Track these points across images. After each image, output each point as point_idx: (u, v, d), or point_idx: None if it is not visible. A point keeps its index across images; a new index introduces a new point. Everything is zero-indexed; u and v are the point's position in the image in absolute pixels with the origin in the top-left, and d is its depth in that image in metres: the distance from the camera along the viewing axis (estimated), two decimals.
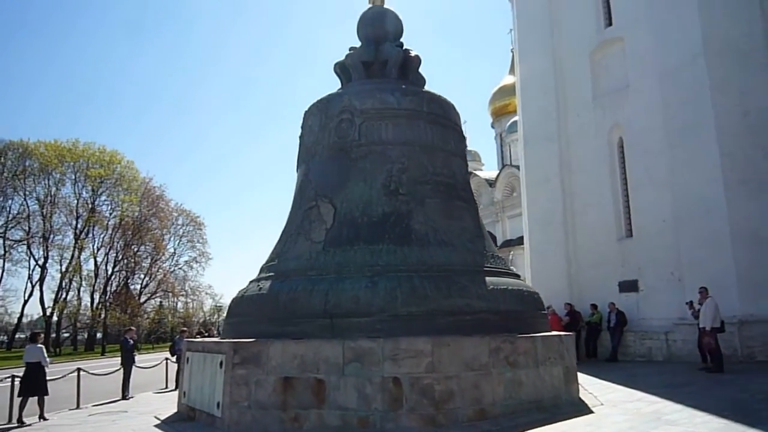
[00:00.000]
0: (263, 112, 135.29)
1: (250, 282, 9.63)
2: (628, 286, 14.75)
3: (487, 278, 8.63)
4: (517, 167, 26.72)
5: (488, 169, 46.58)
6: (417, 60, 10.84)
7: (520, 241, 27.85)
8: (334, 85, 14.72)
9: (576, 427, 6.79)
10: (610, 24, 16.22)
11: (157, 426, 8.43)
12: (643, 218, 14.64)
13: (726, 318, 11.72)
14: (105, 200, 48.02)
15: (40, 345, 9.83)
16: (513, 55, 22.22)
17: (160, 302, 57.46)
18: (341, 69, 10.99)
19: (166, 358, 15.15)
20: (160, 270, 53.14)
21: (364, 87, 10.03)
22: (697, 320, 12.21)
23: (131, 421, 9.03)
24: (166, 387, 14.76)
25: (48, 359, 9.81)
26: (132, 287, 52.70)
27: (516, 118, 23.21)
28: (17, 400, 9.41)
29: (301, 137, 10.61)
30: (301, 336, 7.71)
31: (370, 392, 7.06)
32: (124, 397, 12.43)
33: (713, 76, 13.06)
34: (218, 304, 64.14)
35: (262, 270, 9.56)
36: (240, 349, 7.57)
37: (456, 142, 10.26)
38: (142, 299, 52.53)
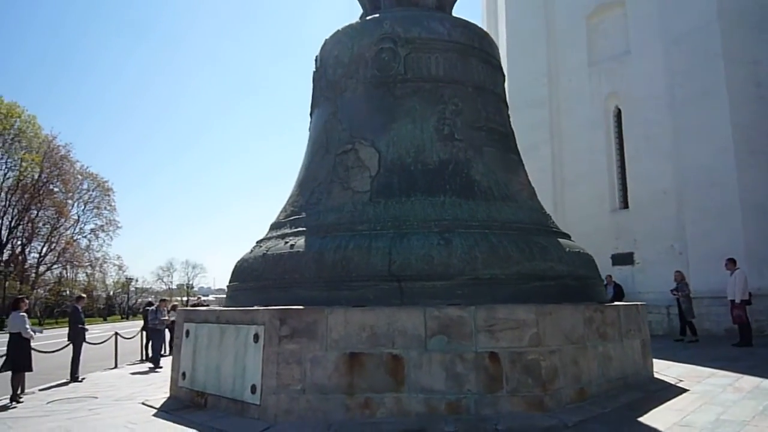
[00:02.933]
0: (187, 66, 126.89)
1: (262, 242, 7.94)
2: (623, 259, 14.36)
3: (559, 239, 7.57)
4: None
5: None
6: None
7: None
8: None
9: (698, 407, 5.87)
10: None
11: (157, 416, 6.63)
12: (640, 189, 14.24)
13: None
14: (0, 158, 42.30)
15: (22, 314, 7.64)
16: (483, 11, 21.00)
17: (61, 273, 52.12)
18: None
19: (116, 333, 12.91)
20: (62, 238, 48.04)
21: (406, 13, 8.50)
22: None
23: (116, 410, 7.12)
24: (115, 365, 12.61)
25: (32, 329, 7.67)
26: (31, 256, 47.31)
27: None
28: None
29: (318, 71, 8.92)
30: (361, 302, 6.24)
31: (462, 371, 5.75)
32: (75, 378, 10.25)
33: (726, 44, 12.71)
34: (128, 277, 59.54)
35: (279, 226, 7.88)
36: (289, 318, 5.96)
37: (503, 86, 9.04)
38: (41, 269, 47.26)
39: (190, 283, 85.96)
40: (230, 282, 8.16)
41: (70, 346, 10.70)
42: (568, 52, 15.96)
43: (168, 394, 7.71)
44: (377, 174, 7.42)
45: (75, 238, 49.16)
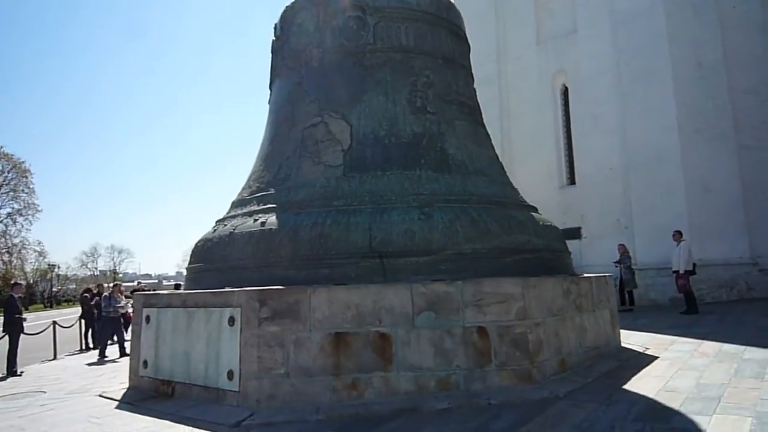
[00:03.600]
0: (111, 41, 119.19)
1: (225, 220, 7.49)
2: (571, 234, 14.68)
3: (532, 213, 7.60)
4: None
5: None
6: None
7: None
8: None
9: (674, 372, 6.06)
10: None
11: (120, 408, 6.14)
12: (587, 166, 14.63)
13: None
14: None
15: None
16: None
17: None
18: None
19: (54, 322, 11.98)
20: None
21: None
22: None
23: (71, 404, 6.56)
24: (54, 357, 11.75)
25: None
26: None
27: None
28: None
29: (279, 40, 8.46)
30: (342, 280, 5.99)
31: (450, 347, 5.64)
32: (13, 372, 9.43)
33: (670, 25, 13.14)
34: (51, 263, 55.93)
35: (244, 203, 7.45)
36: (269, 300, 5.61)
37: (469, 58, 8.91)
38: None
39: (117, 268, 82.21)
40: (191, 263, 7.66)
41: (5, 337, 9.82)
42: (516, 30, 16.08)
43: (127, 385, 7.19)
44: (350, 148, 7.12)
45: None
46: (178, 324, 6.51)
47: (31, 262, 54.44)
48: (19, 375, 9.40)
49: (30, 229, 48.86)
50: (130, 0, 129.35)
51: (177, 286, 25.99)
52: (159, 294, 7.77)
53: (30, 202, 46.98)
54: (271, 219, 6.69)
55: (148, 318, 7.01)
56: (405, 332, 5.62)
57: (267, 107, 8.67)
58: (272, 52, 8.74)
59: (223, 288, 6.29)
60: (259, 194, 7.33)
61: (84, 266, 75.90)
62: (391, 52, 7.65)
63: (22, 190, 47.07)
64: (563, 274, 7.26)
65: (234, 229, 6.95)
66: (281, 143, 7.69)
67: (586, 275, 7.48)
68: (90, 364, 10.39)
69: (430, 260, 6.17)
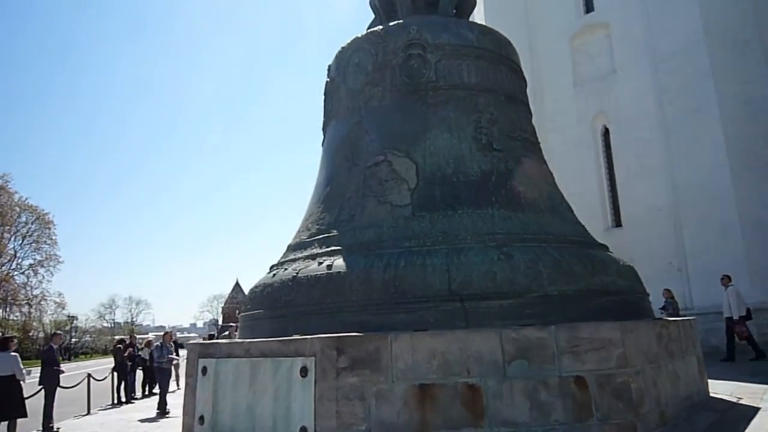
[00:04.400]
0: (129, 97, 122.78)
1: (283, 264, 7.15)
2: None
3: (608, 253, 7.18)
4: None
5: None
6: (473, 1, 9.11)
7: None
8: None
9: None
10: (589, 9, 15.79)
11: None
12: (633, 207, 14.21)
13: None
14: None
15: (13, 353, 6.46)
16: None
17: None
18: (380, 2, 8.88)
19: (89, 375, 11.52)
20: None
21: (430, 19, 8.06)
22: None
23: None
24: (87, 412, 11.25)
25: (24, 370, 6.52)
26: None
27: None
28: None
29: (334, 81, 8.33)
30: (421, 326, 5.56)
31: (547, 399, 5.13)
32: (50, 428, 8.94)
33: (714, 62, 12.96)
34: (70, 315, 55.56)
35: (303, 246, 7.11)
36: (347, 347, 5.19)
37: (527, 96, 8.69)
38: None
39: (134, 320, 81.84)
40: (247, 311, 7.28)
41: (41, 391, 9.38)
42: (552, 72, 16.01)
43: None
44: (416, 186, 6.81)
45: (11, 274, 45.67)
46: (240, 375, 6.08)
47: (50, 314, 54.18)
48: (56, 431, 8.91)
49: (51, 281, 48.57)
50: (142, 51, 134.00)
51: (210, 337, 25.28)
52: (217, 343, 7.36)
53: (52, 253, 47.09)
54: (338, 261, 6.33)
55: (204, 369, 6.59)
56: (496, 383, 5.14)
57: (313, 152, 8.49)
58: (325, 95, 8.61)
59: (289, 336, 5.89)
60: (321, 236, 7.00)
61: (101, 318, 75.52)
62: (454, 90, 7.45)
63: (45, 242, 47.28)
64: (647, 317, 6.77)
65: (297, 273, 6.58)
66: (341, 184, 7.42)
67: (676, 319, 6.95)
68: (143, 420, 9.81)
69: (514, 303, 5.74)
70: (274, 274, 7.08)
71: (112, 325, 79.31)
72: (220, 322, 72.21)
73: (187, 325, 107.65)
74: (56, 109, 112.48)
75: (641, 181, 14.04)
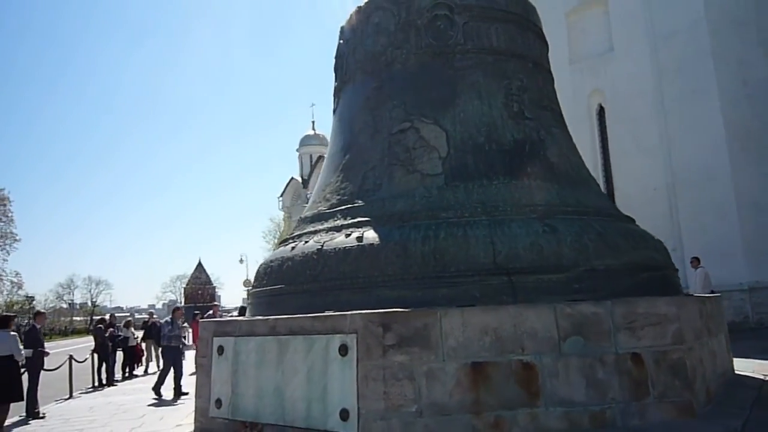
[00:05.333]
0: (90, 69, 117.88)
1: (303, 236, 6.67)
2: None
3: (641, 228, 6.97)
4: None
5: None
6: None
7: None
8: None
9: None
10: None
11: None
12: (629, 187, 14.15)
13: (733, 285, 11.59)
14: None
15: (12, 333, 5.81)
16: None
17: None
18: None
19: (71, 356, 10.82)
20: None
21: None
22: None
23: None
24: (70, 395, 10.59)
25: (23, 350, 5.88)
26: None
27: None
28: None
29: (349, 43, 7.80)
30: (466, 301, 5.22)
31: (603, 377, 4.88)
32: (35, 413, 8.28)
33: (714, 42, 12.90)
34: (27, 295, 53.36)
35: (324, 217, 6.64)
36: (393, 323, 4.81)
37: (550, 65, 8.36)
38: None
39: (95, 300, 79.34)
40: (261, 286, 6.79)
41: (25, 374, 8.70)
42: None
43: (185, 427, 6.26)
44: (448, 155, 6.42)
45: None
46: (265, 355, 5.64)
47: (5, 294, 51.90)
48: (42, 417, 8.26)
49: (7, 260, 46.35)
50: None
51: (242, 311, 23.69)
52: (236, 320, 6.86)
53: (8, 231, 44.91)
54: (369, 233, 5.90)
55: (221, 349, 6.11)
56: (551, 361, 4.86)
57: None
58: (338, 57, 8.08)
59: (318, 312, 5.46)
60: (344, 207, 6.55)
61: (60, 298, 72.96)
62: (483, 54, 7.04)
63: (0, 219, 45.07)
64: (680, 294, 6.61)
65: (322, 245, 6.12)
66: (362, 152, 6.95)
67: (709, 295, 6.81)
68: (136, 402, 9.25)
69: (561, 278, 5.45)
70: (293, 247, 6.60)
71: (70, 305, 76.86)
72: (182, 303, 70.43)
73: (145, 306, 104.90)
74: (14, 82, 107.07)
75: (636, 160, 13.98)
